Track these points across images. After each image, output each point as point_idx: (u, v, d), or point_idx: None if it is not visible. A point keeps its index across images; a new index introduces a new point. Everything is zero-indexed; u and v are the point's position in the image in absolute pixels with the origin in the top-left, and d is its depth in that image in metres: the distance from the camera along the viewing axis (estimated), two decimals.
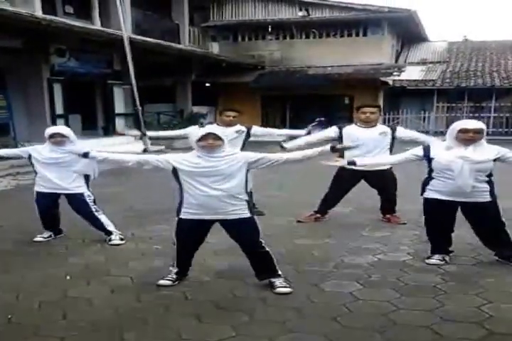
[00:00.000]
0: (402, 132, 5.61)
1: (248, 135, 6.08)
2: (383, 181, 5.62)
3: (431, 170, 4.16)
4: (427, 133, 20.12)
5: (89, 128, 15.76)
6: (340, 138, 5.55)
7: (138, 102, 13.31)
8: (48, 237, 5.03)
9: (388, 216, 5.76)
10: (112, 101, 15.63)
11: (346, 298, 3.53)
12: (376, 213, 6.07)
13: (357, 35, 21.09)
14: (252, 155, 3.65)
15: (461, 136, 3.92)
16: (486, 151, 3.97)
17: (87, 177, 4.99)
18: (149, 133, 6.73)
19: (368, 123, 5.51)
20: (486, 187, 4.06)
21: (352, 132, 5.51)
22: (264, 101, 21.65)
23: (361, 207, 6.11)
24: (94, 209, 4.95)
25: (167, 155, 3.73)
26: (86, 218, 5.02)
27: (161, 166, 3.67)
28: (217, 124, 6.05)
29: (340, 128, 5.62)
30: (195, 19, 21.42)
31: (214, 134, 3.52)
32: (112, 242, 4.90)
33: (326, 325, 3.13)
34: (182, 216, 3.69)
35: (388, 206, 5.77)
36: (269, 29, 21.55)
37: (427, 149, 4.16)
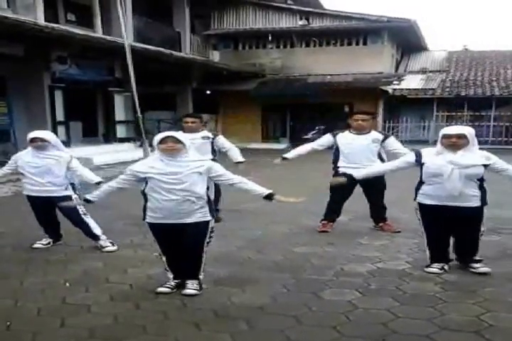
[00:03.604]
0: (390, 142, 5.64)
1: (212, 143, 6.16)
2: (378, 186, 5.65)
3: (421, 175, 4.21)
4: (426, 142, 20.23)
5: (89, 135, 15.81)
6: (335, 145, 5.68)
7: (138, 110, 13.41)
8: (47, 244, 5.03)
9: (381, 224, 5.77)
10: (113, 108, 15.69)
11: (345, 306, 3.53)
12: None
13: (357, 44, 21.21)
14: (215, 169, 3.68)
15: (445, 142, 4.03)
16: (476, 156, 4.03)
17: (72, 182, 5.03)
18: None
19: (361, 130, 5.59)
20: (477, 192, 4.09)
21: (345, 139, 5.62)
22: (264, 110, 21.70)
23: (360, 216, 6.11)
24: (82, 213, 4.95)
25: (133, 167, 3.71)
26: (74, 222, 5.03)
27: (128, 184, 3.73)
28: (183, 131, 6.08)
29: (335, 136, 5.72)
30: (197, 27, 21.55)
31: (174, 137, 3.56)
32: (107, 249, 4.92)
33: (324, 333, 3.12)
34: (147, 220, 3.76)
35: (380, 213, 5.79)
36: (270, 38, 21.65)
37: (418, 155, 4.22)
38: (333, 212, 5.78)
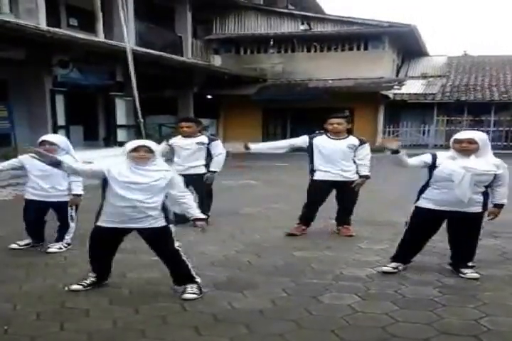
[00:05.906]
0: (361, 150, 5.58)
1: (208, 148, 6.10)
2: (351, 191, 5.62)
3: (430, 179, 4.19)
4: (426, 146, 20.19)
5: (90, 139, 15.85)
6: (310, 148, 5.63)
7: (140, 114, 13.44)
8: (24, 245, 5.08)
9: (339, 227, 5.76)
10: (114, 112, 15.70)
11: (345, 310, 3.52)
12: (375, 225, 6.10)
13: (358, 49, 21.30)
14: (173, 182, 3.67)
15: (457, 147, 4.04)
16: (489, 163, 4.03)
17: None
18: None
19: (337, 134, 5.55)
20: (481, 198, 4.11)
21: (320, 143, 5.59)
22: (265, 114, 21.76)
23: (359, 220, 6.10)
24: (69, 217, 5.06)
25: (106, 164, 3.72)
26: (62, 222, 5.10)
27: (92, 175, 3.77)
28: (182, 136, 6.10)
29: (311, 139, 5.68)
30: (198, 32, 21.63)
31: (147, 146, 3.58)
32: (49, 250, 4.96)
33: (324, 337, 3.12)
34: (99, 223, 3.76)
35: (346, 218, 5.77)
36: (271, 42, 21.74)
37: (434, 157, 4.17)
38: (306, 215, 5.75)
